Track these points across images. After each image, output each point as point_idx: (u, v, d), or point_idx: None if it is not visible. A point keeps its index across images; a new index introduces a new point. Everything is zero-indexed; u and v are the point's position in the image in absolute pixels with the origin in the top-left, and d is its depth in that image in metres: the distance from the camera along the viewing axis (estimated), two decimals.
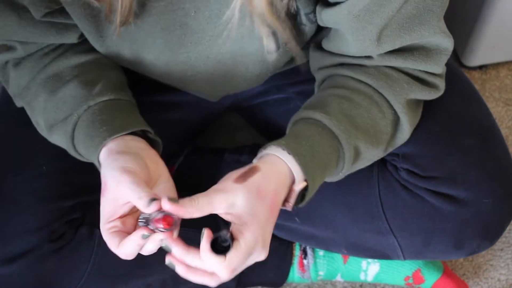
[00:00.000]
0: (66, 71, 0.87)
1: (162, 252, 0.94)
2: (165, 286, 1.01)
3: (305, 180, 0.80)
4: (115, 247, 0.75)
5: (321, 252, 1.12)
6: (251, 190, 0.75)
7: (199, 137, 1.23)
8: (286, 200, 0.80)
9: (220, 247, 0.74)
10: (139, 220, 0.76)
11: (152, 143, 0.86)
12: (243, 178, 0.76)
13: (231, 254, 0.73)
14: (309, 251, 1.12)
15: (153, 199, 0.73)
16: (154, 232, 0.74)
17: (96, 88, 0.85)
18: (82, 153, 0.84)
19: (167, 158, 1.12)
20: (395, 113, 0.88)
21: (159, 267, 0.97)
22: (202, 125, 1.16)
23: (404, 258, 1.01)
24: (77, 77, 0.86)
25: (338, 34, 0.84)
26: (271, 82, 1.09)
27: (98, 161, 0.81)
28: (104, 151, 0.80)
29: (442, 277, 1.12)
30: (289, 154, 0.79)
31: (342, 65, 0.89)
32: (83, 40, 0.88)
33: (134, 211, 0.78)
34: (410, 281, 1.12)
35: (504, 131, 1.34)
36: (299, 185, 0.79)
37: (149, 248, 0.75)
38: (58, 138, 0.86)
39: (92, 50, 0.89)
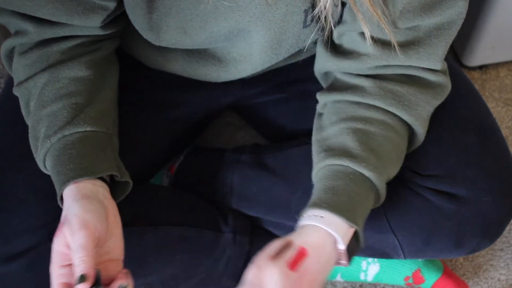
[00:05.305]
0: (64, 82, 0.86)
1: (162, 251, 0.94)
2: (166, 285, 1.01)
3: (354, 231, 0.82)
4: None
5: None
6: (279, 268, 0.77)
7: (198, 136, 1.23)
8: (338, 259, 0.83)
9: None
10: None
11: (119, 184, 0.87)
12: (277, 255, 0.78)
13: None
14: None
15: (83, 277, 0.73)
16: None
17: (81, 115, 0.85)
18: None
19: (168, 157, 1.13)
20: (408, 127, 0.89)
21: (159, 266, 0.97)
22: (202, 125, 1.16)
23: (404, 257, 1.01)
24: (68, 95, 0.86)
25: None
26: (271, 81, 1.09)
27: (61, 196, 0.81)
28: (70, 189, 0.80)
29: (442, 277, 1.12)
30: (332, 213, 0.80)
31: (345, 89, 0.90)
32: (92, 49, 0.88)
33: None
34: (410, 281, 1.12)
35: (504, 131, 1.34)
36: (344, 241, 0.81)
37: None
38: (33, 153, 0.87)
39: (95, 64, 0.89)
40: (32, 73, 0.87)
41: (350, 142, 0.86)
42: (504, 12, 1.24)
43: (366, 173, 0.84)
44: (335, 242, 0.81)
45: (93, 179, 0.81)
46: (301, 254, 0.79)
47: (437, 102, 0.90)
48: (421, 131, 0.90)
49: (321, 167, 0.87)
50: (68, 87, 0.86)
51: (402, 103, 0.87)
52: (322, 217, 0.81)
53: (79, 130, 0.84)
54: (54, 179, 0.83)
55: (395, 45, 0.83)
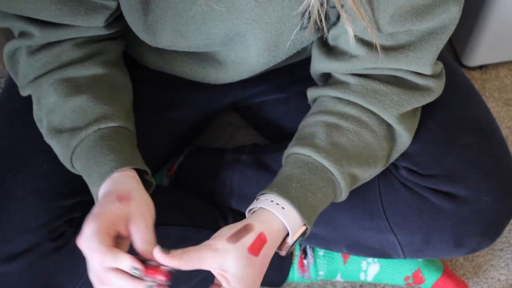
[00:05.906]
0: (82, 80, 0.86)
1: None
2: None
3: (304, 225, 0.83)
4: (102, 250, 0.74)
5: (321, 252, 1.12)
6: (242, 253, 0.77)
7: (198, 136, 1.23)
8: (279, 248, 0.84)
9: None
10: (133, 271, 0.74)
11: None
12: (235, 237, 0.78)
13: None
14: (309, 251, 1.12)
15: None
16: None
17: (110, 110, 0.85)
18: (78, 169, 0.85)
19: (168, 157, 1.13)
20: (388, 126, 0.89)
21: None
22: (202, 125, 1.16)
23: (404, 257, 1.01)
24: (91, 90, 0.86)
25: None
26: (271, 81, 1.09)
27: (98, 185, 0.81)
28: (119, 174, 0.80)
29: (442, 277, 1.12)
30: (284, 199, 0.81)
31: (330, 85, 0.90)
32: (100, 48, 0.88)
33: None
34: (410, 281, 1.12)
35: (504, 131, 1.34)
36: (293, 238, 0.82)
37: None
38: (56, 146, 0.86)
39: (109, 65, 0.89)
40: (45, 71, 0.86)
41: (319, 134, 0.87)
42: (504, 12, 1.24)
43: (326, 163, 0.85)
44: (287, 235, 0.82)
45: (131, 170, 0.82)
46: (263, 240, 0.79)
47: (420, 105, 0.90)
48: (403, 131, 0.89)
49: (288, 154, 0.88)
50: (88, 83, 0.86)
51: (383, 102, 0.87)
52: (283, 208, 0.81)
53: (115, 124, 0.85)
54: (91, 169, 0.82)
55: (378, 46, 0.83)
